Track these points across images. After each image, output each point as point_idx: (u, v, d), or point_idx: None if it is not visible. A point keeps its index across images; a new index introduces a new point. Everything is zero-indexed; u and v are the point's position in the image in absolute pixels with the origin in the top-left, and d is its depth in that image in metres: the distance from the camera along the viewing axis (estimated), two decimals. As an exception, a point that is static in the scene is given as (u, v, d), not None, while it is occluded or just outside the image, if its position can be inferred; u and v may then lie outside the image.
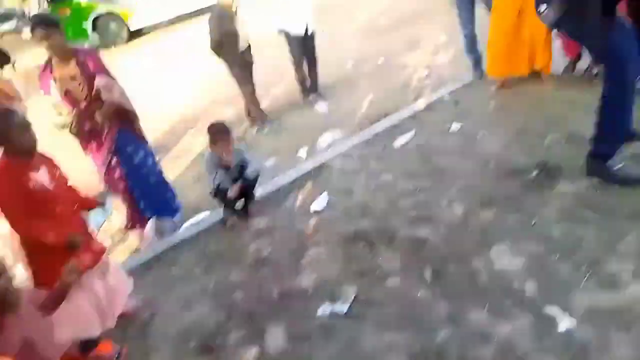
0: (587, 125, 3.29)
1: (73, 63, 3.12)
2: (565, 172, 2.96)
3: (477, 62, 4.61)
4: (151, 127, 6.11)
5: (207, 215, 3.69)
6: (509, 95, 4.12)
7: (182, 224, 3.69)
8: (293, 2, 5.05)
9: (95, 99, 3.19)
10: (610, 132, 2.72)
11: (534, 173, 3.03)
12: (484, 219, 2.79)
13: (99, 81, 3.15)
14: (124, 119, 3.35)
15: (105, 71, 3.24)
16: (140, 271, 3.16)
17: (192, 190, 4.27)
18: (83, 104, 3.21)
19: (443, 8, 7.35)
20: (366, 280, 2.58)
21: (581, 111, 3.48)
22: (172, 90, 7.50)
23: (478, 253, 2.54)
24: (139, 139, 3.52)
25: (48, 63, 3.16)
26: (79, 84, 3.15)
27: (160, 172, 3.71)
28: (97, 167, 3.49)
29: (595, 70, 3.96)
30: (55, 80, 3.14)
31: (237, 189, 3.36)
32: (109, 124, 3.29)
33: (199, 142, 5.26)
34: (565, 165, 3.00)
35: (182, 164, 4.93)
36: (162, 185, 3.73)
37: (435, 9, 7.54)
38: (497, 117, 3.79)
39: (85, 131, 3.31)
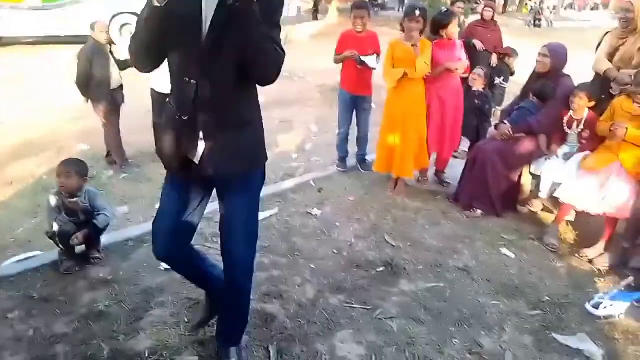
0: (428, 234, 3.73)
1: None
2: (407, 272, 3.26)
3: (343, 158, 5.00)
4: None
5: (37, 255, 3.26)
6: (365, 197, 4.48)
7: None
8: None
9: None
10: None
11: (381, 268, 3.29)
12: (333, 304, 2.90)
13: None
14: None
15: None
16: None
17: (22, 223, 3.78)
18: None
19: (315, 102, 7.98)
20: (208, 351, 2.47)
21: (424, 220, 3.95)
22: (22, 110, 6.75)
23: (324, 336, 2.62)
24: None
25: None
26: None
27: None
28: None
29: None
30: None
31: (81, 238, 3.04)
32: None
33: (42, 171, 4.75)
34: (408, 267, 3.32)
35: (14, 190, 4.36)
36: None
37: (309, 101, 8.12)
38: (354, 212, 4.09)
39: None
